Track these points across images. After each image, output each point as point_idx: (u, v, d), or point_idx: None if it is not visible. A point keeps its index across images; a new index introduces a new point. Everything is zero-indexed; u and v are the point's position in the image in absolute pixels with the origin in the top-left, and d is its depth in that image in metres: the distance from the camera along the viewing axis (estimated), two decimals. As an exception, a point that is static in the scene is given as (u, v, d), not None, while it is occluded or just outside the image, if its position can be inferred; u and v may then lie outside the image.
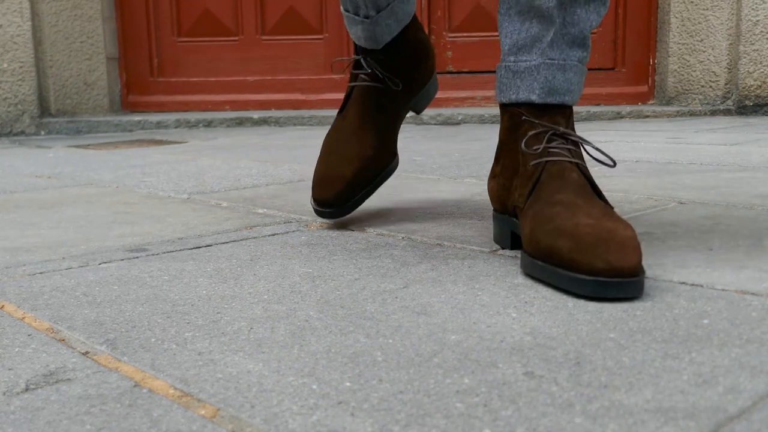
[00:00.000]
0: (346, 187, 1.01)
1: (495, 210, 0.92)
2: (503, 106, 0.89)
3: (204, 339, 0.62)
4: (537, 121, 0.83)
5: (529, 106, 0.85)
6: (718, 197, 1.19)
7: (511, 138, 0.87)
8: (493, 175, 0.92)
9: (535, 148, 0.81)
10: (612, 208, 0.78)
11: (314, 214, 1.11)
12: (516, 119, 0.86)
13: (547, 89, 0.83)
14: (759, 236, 0.92)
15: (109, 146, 2.48)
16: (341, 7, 1.07)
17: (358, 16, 1.03)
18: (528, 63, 0.84)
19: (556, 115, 0.84)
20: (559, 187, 0.78)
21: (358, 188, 1.03)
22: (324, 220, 1.09)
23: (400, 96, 1.08)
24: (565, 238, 0.71)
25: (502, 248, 0.90)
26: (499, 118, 2.91)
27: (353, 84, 1.08)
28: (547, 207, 0.77)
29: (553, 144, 0.81)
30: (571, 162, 0.80)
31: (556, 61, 0.83)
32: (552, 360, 0.55)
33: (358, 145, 1.04)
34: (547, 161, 0.80)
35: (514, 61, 0.86)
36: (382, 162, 1.06)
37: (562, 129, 0.82)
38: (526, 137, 0.82)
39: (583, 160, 0.81)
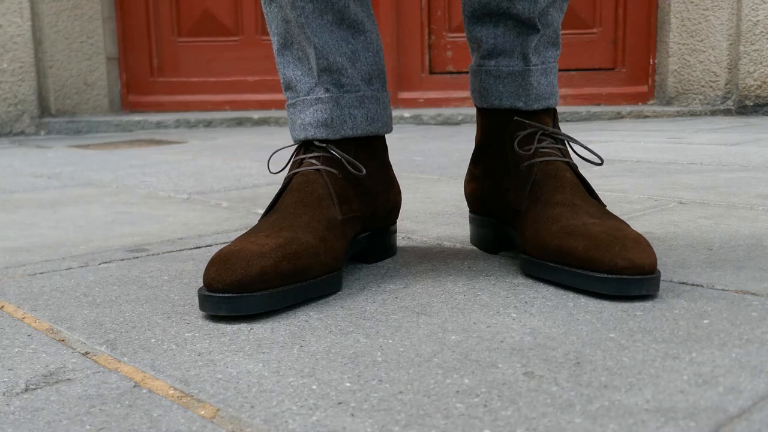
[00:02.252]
0: (258, 273, 0.66)
1: (474, 213, 0.91)
2: (484, 110, 0.88)
3: (204, 339, 0.62)
4: (527, 122, 0.82)
5: (516, 110, 0.84)
6: (718, 197, 1.19)
7: (494, 140, 0.86)
8: (473, 178, 0.90)
9: (526, 148, 0.81)
10: (605, 206, 0.78)
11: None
12: (500, 121, 0.85)
13: (534, 96, 0.82)
14: (759, 236, 0.92)
15: (109, 146, 2.48)
16: (285, 93, 0.84)
17: (311, 93, 0.81)
18: (511, 68, 0.83)
19: (543, 116, 0.83)
20: (556, 187, 0.78)
21: (279, 279, 0.68)
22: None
23: (357, 205, 0.80)
24: (577, 237, 0.71)
25: (484, 251, 0.89)
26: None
27: (294, 172, 0.79)
28: (548, 208, 0.76)
29: (544, 144, 0.81)
30: (563, 161, 0.80)
31: (539, 66, 0.82)
32: (552, 360, 0.55)
33: (290, 232, 0.72)
34: (540, 161, 0.80)
35: (495, 66, 0.84)
36: (320, 262, 0.71)
37: (550, 129, 0.81)
38: (517, 138, 0.81)
39: (572, 159, 0.81)
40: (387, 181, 0.86)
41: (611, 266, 0.68)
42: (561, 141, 0.82)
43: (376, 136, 0.85)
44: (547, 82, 0.83)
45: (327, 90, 0.80)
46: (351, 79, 0.81)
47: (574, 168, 0.80)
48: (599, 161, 0.82)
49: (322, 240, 0.73)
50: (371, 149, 0.84)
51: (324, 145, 0.80)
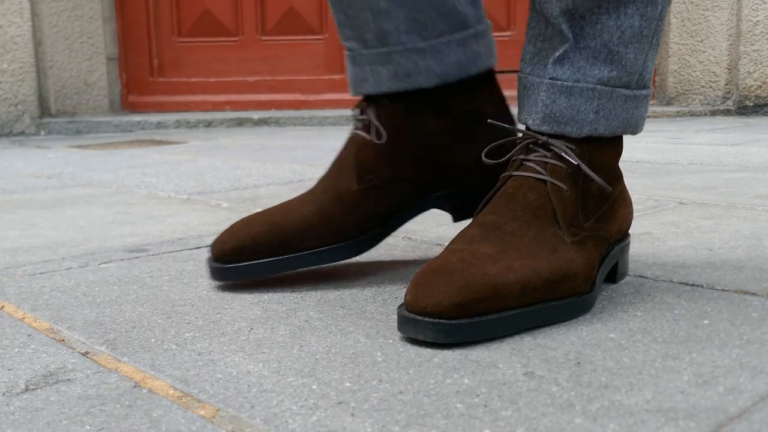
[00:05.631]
0: (250, 244, 0.75)
1: None
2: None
3: (204, 339, 0.62)
4: (500, 126, 0.71)
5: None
6: (718, 197, 1.19)
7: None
8: None
9: (513, 159, 0.70)
10: (568, 238, 0.66)
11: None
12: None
13: (543, 115, 0.68)
14: (759, 236, 0.92)
15: (109, 146, 2.48)
16: (344, 43, 0.79)
17: (386, 45, 0.75)
18: (536, 79, 0.70)
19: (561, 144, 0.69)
20: (497, 207, 0.67)
21: (266, 251, 0.75)
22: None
23: (402, 170, 0.77)
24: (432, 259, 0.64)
25: None
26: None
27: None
28: (468, 228, 0.68)
29: (531, 156, 0.68)
30: (538, 179, 0.67)
31: (560, 82, 0.68)
32: (552, 360, 0.55)
33: (300, 204, 0.77)
34: (511, 175, 0.69)
35: (526, 74, 0.72)
36: (324, 237, 0.76)
37: (543, 138, 0.68)
38: (516, 147, 0.71)
39: (564, 177, 0.67)
40: (467, 136, 0.79)
41: (404, 297, 0.61)
42: (559, 156, 0.68)
43: (432, 87, 0.76)
44: (568, 105, 0.67)
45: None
46: (374, 35, 0.75)
47: (553, 188, 0.67)
48: (608, 189, 0.69)
49: (318, 213, 0.76)
50: (427, 104, 0.77)
51: (372, 105, 0.77)
